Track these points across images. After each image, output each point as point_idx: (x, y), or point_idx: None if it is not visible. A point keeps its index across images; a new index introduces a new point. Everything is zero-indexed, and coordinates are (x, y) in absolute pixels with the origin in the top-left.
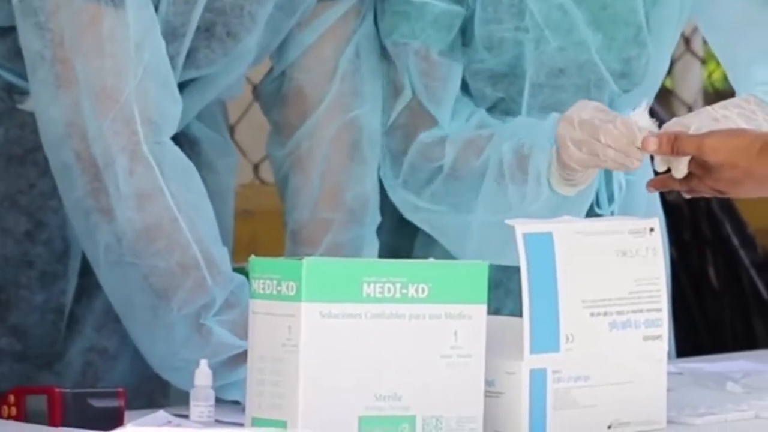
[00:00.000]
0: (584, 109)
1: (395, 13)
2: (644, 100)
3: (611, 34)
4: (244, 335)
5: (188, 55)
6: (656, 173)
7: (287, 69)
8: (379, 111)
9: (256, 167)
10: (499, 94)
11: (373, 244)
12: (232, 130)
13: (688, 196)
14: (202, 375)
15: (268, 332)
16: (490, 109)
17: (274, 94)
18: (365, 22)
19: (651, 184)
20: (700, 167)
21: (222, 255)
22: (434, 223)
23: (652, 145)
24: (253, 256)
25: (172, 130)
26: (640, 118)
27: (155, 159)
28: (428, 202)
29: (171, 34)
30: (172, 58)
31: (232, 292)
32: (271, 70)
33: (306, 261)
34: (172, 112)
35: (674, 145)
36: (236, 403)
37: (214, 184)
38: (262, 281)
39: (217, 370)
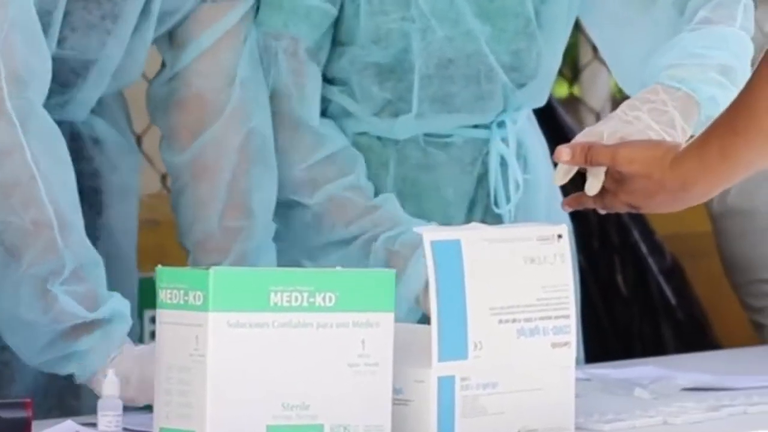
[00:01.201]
0: None
1: (269, 4)
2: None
3: (500, 25)
4: (89, 308)
5: (65, 18)
6: (564, 189)
7: (183, 73)
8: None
9: (163, 177)
10: (386, 95)
11: (272, 250)
12: (139, 139)
13: (603, 212)
14: (110, 385)
15: (175, 342)
16: (378, 113)
17: (167, 97)
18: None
19: (566, 203)
20: (613, 181)
21: (77, 223)
22: None
23: (566, 155)
24: (159, 266)
25: (42, 87)
26: None
27: (18, 115)
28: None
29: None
30: (50, 25)
31: (83, 265)
32: (161, 72)
33: (213, 270)
34: (40, 68)
35: (588, 154)
36: (147, 411)
37: (118, 184)
38: (169, 291)
39: (56, 339)
